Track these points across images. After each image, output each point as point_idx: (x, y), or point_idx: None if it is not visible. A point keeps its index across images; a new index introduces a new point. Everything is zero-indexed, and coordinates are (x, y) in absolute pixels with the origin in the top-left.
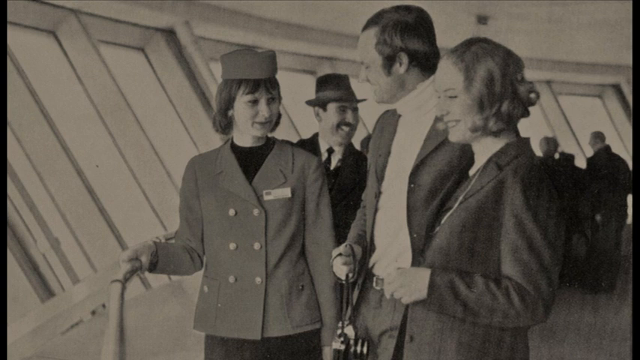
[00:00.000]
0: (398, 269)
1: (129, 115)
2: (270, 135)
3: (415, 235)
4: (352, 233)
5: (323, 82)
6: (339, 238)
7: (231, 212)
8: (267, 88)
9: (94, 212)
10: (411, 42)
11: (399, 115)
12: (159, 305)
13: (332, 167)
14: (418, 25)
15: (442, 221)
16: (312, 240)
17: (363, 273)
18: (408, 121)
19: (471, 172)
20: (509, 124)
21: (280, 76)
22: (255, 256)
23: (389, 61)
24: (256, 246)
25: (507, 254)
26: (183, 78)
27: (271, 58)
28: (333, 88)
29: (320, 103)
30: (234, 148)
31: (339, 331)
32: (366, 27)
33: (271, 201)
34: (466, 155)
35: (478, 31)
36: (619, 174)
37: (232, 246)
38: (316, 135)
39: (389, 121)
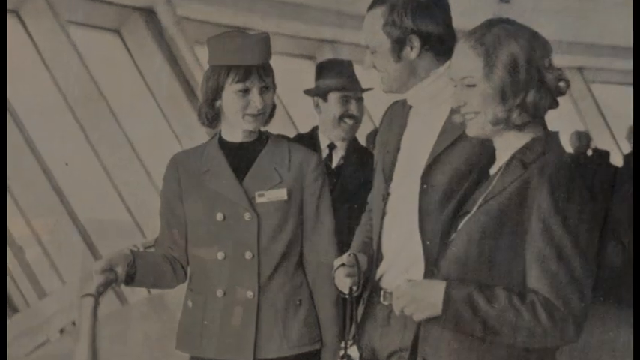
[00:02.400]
0: (409, 281)
1: (102, 106)
2: (263, 129)
3: (428, 243)
4: (357, 240)
5: (323, 69)
6: (342, 245)
7: (219, 217)
8: (260, 76)
9: (62, 216)
10: (424, 23)
11: (410, 107)
12: (137, 322)
13: (334, 165)
14: (431, 3)
15: (459, 227)
16: (311, 248)
17: (369, 286)
18: (420, 113)
19: (492, 171)
20: (535, 116)
21: (274, 62)
22: (246, 267)
23: (398, 45)
24: (247, 255)
25: (533, 264)
26: (165, 64)
27: (264, 41)
28: (335, 75)
29: (320, 93)
30: (223, 143)
31: (341, 352)
32: (372, 6)
33: (265, 204)
34: (486, 152)
35: (500, 11)
36: None
37: (220, 255)
38: (316, 129)
39: (398, 112)
